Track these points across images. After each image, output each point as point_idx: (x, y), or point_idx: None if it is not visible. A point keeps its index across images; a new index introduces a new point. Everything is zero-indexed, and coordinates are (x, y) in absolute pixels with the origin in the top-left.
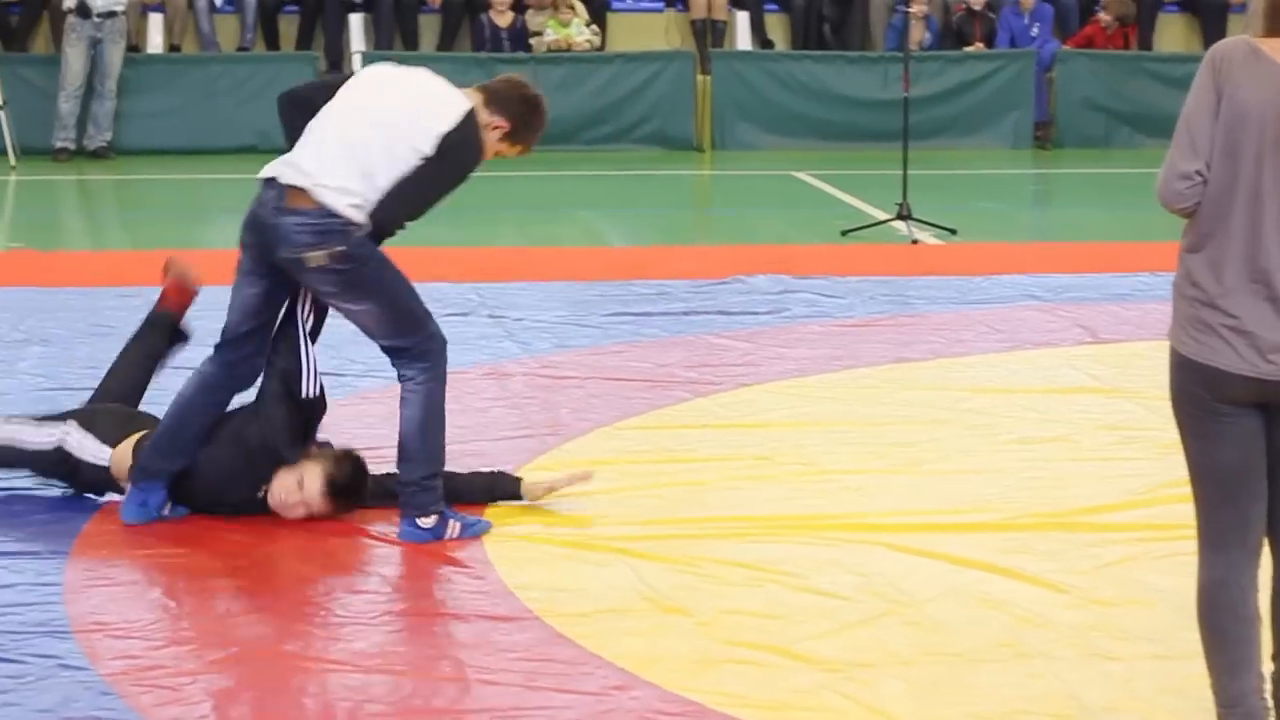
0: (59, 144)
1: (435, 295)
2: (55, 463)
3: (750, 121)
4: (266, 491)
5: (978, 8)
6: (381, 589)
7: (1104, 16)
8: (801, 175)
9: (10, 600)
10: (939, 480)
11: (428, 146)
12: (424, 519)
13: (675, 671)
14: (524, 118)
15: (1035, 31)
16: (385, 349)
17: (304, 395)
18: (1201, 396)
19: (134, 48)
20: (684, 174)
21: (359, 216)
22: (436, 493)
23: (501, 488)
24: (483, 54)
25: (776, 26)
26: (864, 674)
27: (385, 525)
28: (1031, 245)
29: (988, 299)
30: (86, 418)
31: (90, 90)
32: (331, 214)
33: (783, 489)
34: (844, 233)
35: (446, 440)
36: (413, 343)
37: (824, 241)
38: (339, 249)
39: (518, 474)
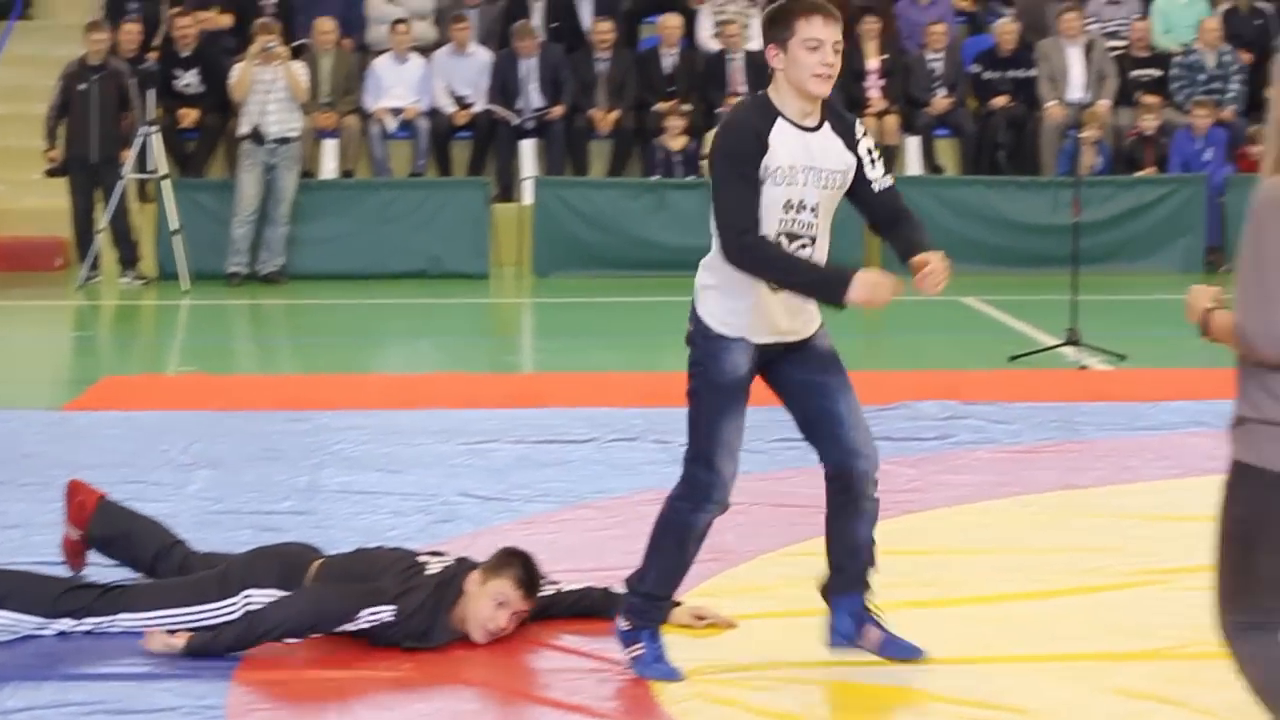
0: (232, 269)
1: (601, 420)
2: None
3: None
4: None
5: (1150, 133)
6: (563, 699)
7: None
8: (970, 300)
9: None
10: (1107, 609)
11: None
12: (624, 621)
13: None
14: (771, 16)
15: (1209, 156)
16: None
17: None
18: None
19: (308, 173)
20: None
21: (701, 309)
22: (642, 613)
23: (589, 601)
24: (653, 179)
25: (946, 151)
26: None
27: (571, 637)
28: (1202, 371)
29: (1157, 425)
30: (248, 575)
31: (264, 215)
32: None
33: (950, 616)
34: (1012, 358)
35: (614, 566)
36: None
37: (992, 367)
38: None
39: (679, 601)
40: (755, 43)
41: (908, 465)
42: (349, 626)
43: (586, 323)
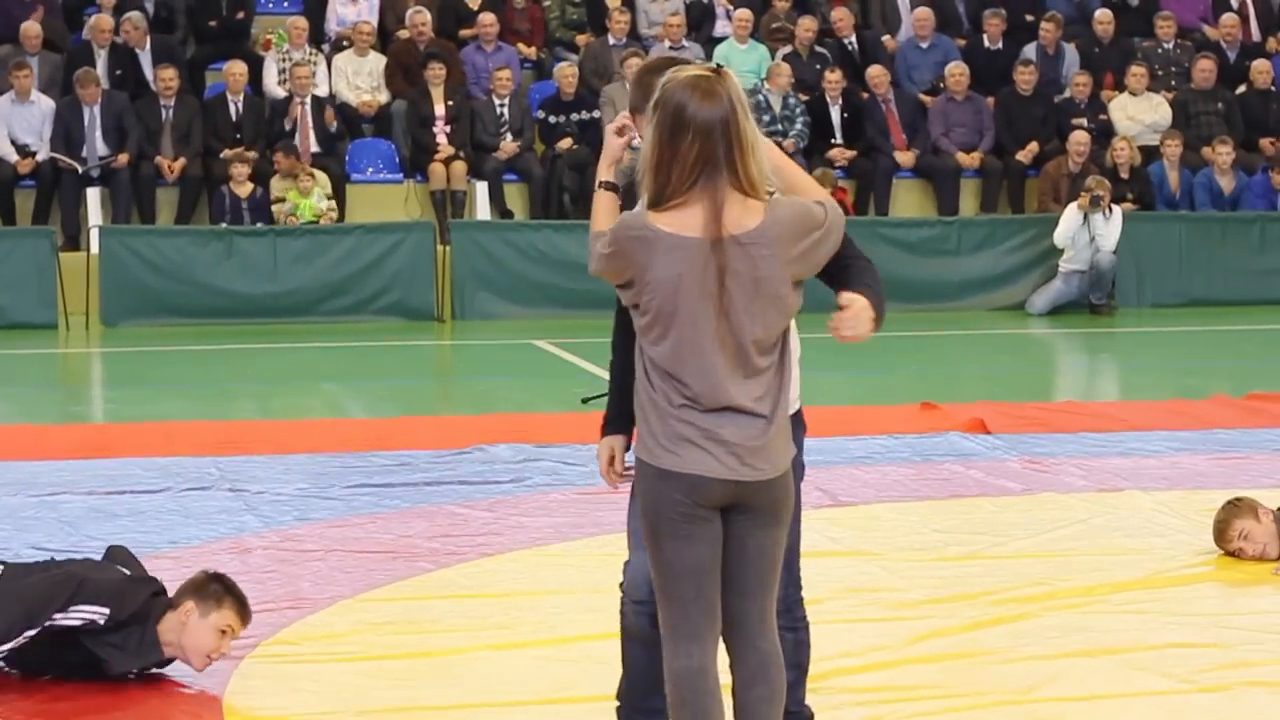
0: None
1: (174, 469)
2: None
3: (490, 291)
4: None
5: None
6: None
7: None
8: (541, 344)
9: None
10: None
11: None
12: None
13: None
14: (633, 98)
15: None
16: None
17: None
18: (681, 502)
19: None
20: (424, 344)
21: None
22: None
23: None
24: (222, 225)
25: (515, 196)
26: None
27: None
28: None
29: None
30: None
31: None
32: None
33: (527, 658)
34: (584, 400)
35: None
36: None
37: (564, 410)
38: None
39: None
40: (323, 89)
41: (483, 509)
42: (60, 620)
43: (156, 372)
